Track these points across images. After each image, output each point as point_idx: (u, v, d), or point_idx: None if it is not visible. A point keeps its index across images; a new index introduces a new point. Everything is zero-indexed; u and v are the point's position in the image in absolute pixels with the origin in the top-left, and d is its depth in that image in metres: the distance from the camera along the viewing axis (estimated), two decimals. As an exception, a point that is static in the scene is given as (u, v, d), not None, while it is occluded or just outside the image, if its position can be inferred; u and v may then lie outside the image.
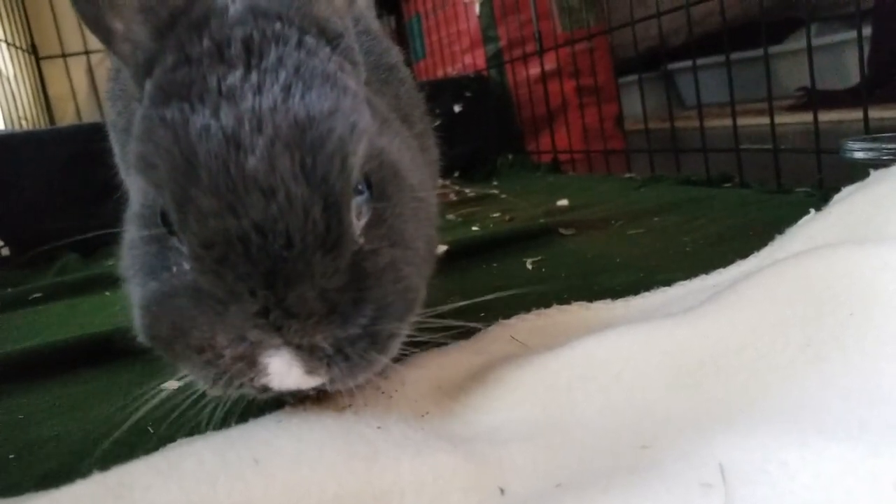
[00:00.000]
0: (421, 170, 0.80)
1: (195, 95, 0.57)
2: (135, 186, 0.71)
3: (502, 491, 0.58)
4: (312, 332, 0.57)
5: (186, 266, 0.59)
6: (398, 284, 0.62)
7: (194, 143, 0.55)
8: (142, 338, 0.65)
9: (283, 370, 0.58)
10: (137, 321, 0.65)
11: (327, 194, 0.56)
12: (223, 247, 0.55)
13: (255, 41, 0.60)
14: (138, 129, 0.61)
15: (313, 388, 0.61)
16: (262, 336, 0.56)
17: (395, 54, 1.03)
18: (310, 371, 0.58)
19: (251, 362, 0.57)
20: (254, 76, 0.58)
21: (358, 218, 0.61)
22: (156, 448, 0.65)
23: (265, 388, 0.60)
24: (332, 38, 0.66)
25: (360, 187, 0.62)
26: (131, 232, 0.68)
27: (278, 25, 0.62)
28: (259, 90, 0.57)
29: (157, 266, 0.62)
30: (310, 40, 0.63)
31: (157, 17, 0.64)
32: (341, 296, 0.58)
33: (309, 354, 0.57)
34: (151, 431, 0.79)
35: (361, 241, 0.61)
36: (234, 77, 0.58)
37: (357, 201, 0.61)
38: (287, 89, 0.57)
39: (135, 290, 0.66)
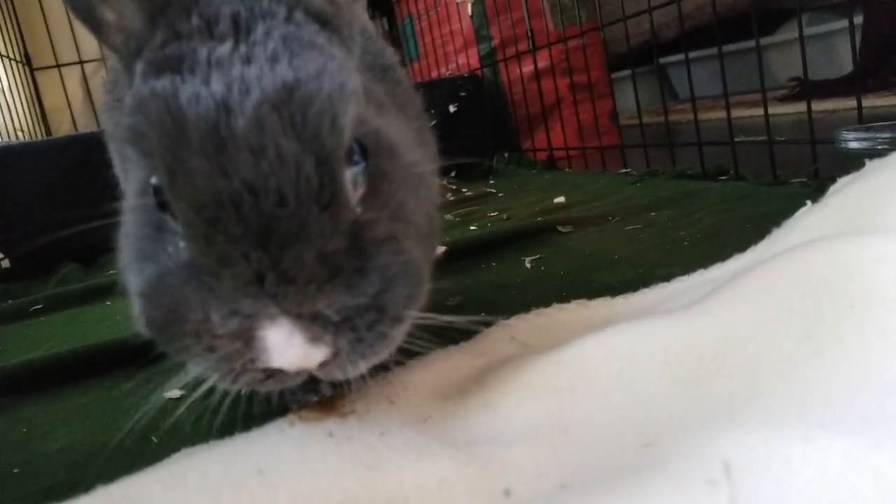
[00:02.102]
0: (420, 152, 0.79)
1: (186, 68, 0.57)
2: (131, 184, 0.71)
3: (507, 493, 0.58)
4: (314, 300, 0.54)
5: (181, 244, 0.58)
6: (401, 256, 0.60)
7: (184, 108, 0.55)
8: (140, 328, 0.63)
9: (283, 341, 0.54)
10: (135, 310, 0.63)
11: (318, 150, 0.55)
12: (214, 209, 0.53)
13: (243, 17, 0.61)
14: (129, 105, 0.60)
15: (319, 366, 0.58)
16: (256, 306, 0.54)
17: (391, 55, 1.04)
18: (313, 339, 0.55)
19: (247, 339, 0.55)
20: (242, 48, 0.58)
21: (354, 188, 0.60)
22: (160, 458, 0.65)
23: (268, 374, 0.57)
24: (320, 19, 0.66)
25: (355, 158, 0.61)
26: (127, 222, 0.68)
27: (266, 2, 0.63)
28: (248, 60, 0.57)
29: (153, 250, 0.61)
30: (298, 16, 0.63)
31: (151, 3, 0.64)
32: (343, 261, 0.56)
33: (311, 322, 0.55)
34: (155, 441, 0.79)
35: (359, 210, 0.60)
36: (224, 49, 0.58)
37: (353, 171, 0.61)
38: (275, 57, 0.57)
39: (132, 278, 0.65)
